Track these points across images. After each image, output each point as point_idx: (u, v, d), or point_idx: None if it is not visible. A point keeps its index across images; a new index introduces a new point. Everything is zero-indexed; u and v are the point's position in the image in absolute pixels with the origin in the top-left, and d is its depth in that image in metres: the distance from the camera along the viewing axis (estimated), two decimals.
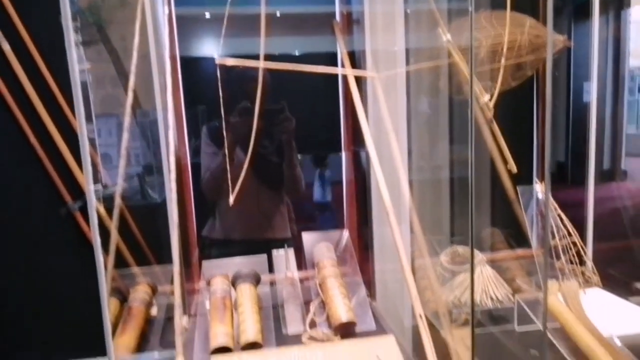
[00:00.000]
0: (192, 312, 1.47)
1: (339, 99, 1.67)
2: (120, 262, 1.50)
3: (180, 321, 1.41)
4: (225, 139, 1.23)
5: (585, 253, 1.41)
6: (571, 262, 1.43)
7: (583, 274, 1.40)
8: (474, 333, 0.85)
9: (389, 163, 1.34)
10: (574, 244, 1.42)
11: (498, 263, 1.48)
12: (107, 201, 1.50)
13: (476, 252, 1.42)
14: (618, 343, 1.09)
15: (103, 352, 1.28)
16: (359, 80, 1.45)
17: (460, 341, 1.17)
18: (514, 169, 1.40)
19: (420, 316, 0.98)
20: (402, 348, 1.07)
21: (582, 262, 1.48)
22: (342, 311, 1.25)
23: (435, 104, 1.54)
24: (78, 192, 1.48)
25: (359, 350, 1.03)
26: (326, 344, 1.12)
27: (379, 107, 1.36)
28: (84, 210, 1.48)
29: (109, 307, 0.78)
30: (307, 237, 1.54)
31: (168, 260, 1.42)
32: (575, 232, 1.43)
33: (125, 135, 1.17)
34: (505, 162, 1.41)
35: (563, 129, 1.88)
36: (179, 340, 1.04)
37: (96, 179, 1.50)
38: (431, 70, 1.50)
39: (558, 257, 1.41)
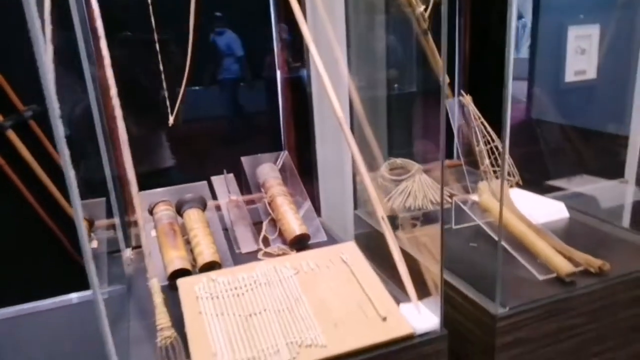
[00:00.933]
0: (135, 244, 1.40)
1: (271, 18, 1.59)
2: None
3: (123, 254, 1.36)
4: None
5: (500, 156, 1.55)
6: (494, 166, 1.57)
7: (507, 174, 1.55)
8: (443, 230, 0.91)
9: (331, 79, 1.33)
10: (496, 148, 1.55)
11: (432, 173, 1.59)
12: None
13: (412, 162, 1.50)
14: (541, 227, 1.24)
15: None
16: None
17: (412, 241, 1.26)
18: (447, 79, 1.46)
19: (383, 218, 1.03)
20: None
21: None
22: (295, 225, 1.27)
23: (373, 19, 1.53)
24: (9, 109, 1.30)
25: (323, 257, 1.07)
26: (290, 255, 1.13)
27: (318, 20, 1.32)
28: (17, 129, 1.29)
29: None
30: (247, 161, 1.51)
31: (102, 194, 1.32)
32: (497, 138, 1.56)
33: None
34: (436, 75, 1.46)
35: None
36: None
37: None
38: None
39: (483, 162, 1.54)
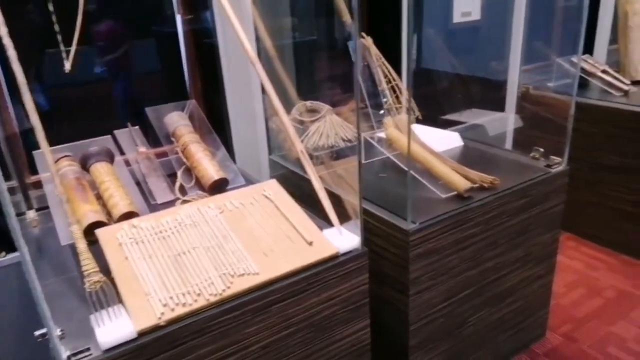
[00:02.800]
0: (37, 206, 1.30)
1: None
2: None
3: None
4: None
5: (402, 94, 1.66)
6: (398, 102, 1.68)
7: (407, 110, 1.67)
8: (360, 161, 0.97)
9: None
10: (397, 87, 1.65)
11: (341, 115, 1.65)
12: None
13: (322, 104, 1.55)
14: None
15: None
16: None
17: (329, 176, 1.32)
18: (349, 20, 1.51)
19: (302, 152, 1.06)
20: None
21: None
22: (212, 170, 1.26)
23: None
24: None
25: (246, 195, 1.08)
26: (215, 197, 1.13)
27: None
28: None
29: None
30: (152, 113, 1.44)
31: None
32: (398, 77, 1.66)
33: None
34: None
35: None
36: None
37: None
38: None
39: (386, 99, 1.63)
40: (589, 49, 2.27)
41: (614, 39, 2.24)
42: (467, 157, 1.45)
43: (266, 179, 1.60)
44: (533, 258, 1.36)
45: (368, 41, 1.67)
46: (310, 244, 0.96)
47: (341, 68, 1.77)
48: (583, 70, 2.08)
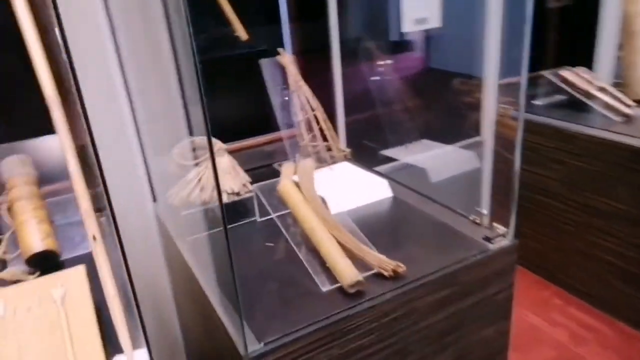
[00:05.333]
0: None
1: None
2: None
3: None
4: None
5: (330, 128, 1.31)
6: (324, 139, 1.34)
7: (330, 149, 1.33)
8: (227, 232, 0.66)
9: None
10: (316, 118, 1.31)
11: (244, 151, 1.33)
12: None
13: (215, 140, 1.22)
14: (346, 219, 1.03)
15: None
16: None
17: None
18: (244, 37, 1.18)
19: (94, 238, 0.75)
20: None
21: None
22: (35, 239, 0.96)
23: None
24: None
25: (27, 295, 0.77)
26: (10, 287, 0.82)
27: None
28: None
29: None
30: None
31: None
32: (318, 105, 1.32)
33: None
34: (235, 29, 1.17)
35: None
36: None
37: None
38: None
39: (302, 136, 1.30)
40: (587, 59, 1.86)
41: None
42: (386, 219, 1.10)
43: (151, 237, 1.30)
44: None
45: (285, 58, 1.34)
46: None
47: (249, 92, 1.43)
48: (574, 87, 1.68)
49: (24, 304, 0.76)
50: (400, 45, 1.61)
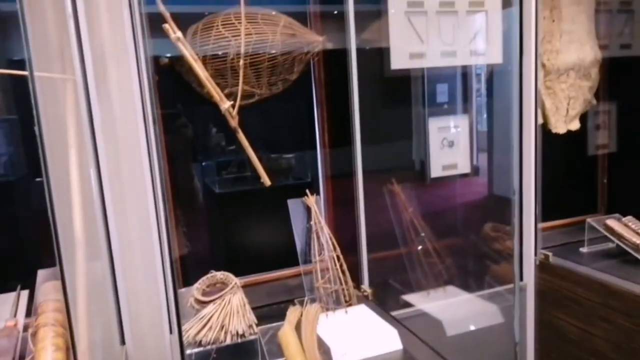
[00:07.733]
0: None
1: None
2: None
3: None
4: None
5: (345, 271, 1.32)
6: (343, 282, 1.34)
7: (348, 291, 1.32)
8: None
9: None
10: (338, 258, 1.33)
11: (260, 285, 1.36)
12: None
13: (231, 276, 1.27)
14: None
15: None
16: None
17: None
18: (267, 183, 1.27)
19: None
20: None
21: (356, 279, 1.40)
22: None
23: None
24: None
25: None
26: None
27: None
28: None
29: None
30: (43, 276, 1.27)
31: None
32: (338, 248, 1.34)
33: None
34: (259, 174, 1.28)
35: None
36: None
37: None
38: None
39: (323, 276, 1.31)
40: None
41: None
42: None
43: None
44: None
45: (310, 199, 1.41)
46: None
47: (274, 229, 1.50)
48: (622, 238, 1.57)
49: None
50: (431, 187, 1.63)
